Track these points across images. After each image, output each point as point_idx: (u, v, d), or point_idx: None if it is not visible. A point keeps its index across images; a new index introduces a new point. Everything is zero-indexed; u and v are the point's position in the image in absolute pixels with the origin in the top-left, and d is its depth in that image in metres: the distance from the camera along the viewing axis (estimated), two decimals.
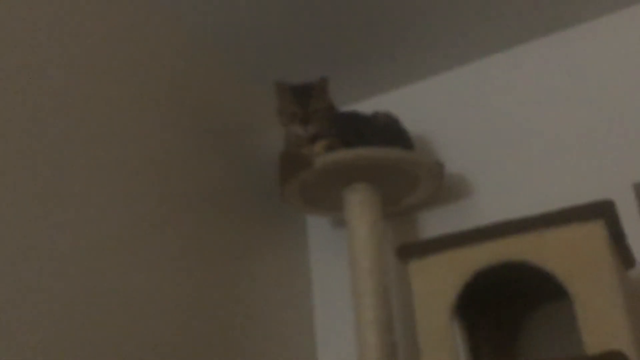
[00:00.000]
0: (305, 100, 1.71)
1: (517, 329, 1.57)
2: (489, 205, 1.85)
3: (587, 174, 1.75)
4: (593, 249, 1.32)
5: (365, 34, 1.86)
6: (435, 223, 1.91)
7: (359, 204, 1.77)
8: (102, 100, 1.47)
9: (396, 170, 1.76)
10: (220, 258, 1.69)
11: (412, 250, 1.50)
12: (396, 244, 1.77)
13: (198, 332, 1.54)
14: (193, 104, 1.77)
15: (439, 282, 1.44)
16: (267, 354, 1.74)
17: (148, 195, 1.52)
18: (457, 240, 1.45)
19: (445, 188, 1.87)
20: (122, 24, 1.59)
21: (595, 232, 1.33)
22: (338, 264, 1.97)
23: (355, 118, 1.85)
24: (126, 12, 1.62)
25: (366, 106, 1.95)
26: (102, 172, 1.41)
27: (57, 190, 1.29)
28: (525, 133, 1.86)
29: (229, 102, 1.93)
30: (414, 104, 2.01)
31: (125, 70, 1.56)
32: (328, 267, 2.02)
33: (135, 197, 1.48)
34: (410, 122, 1.89)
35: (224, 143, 1.85)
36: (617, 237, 1.40)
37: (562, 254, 1.34)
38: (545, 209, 1.41)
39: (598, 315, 1.28)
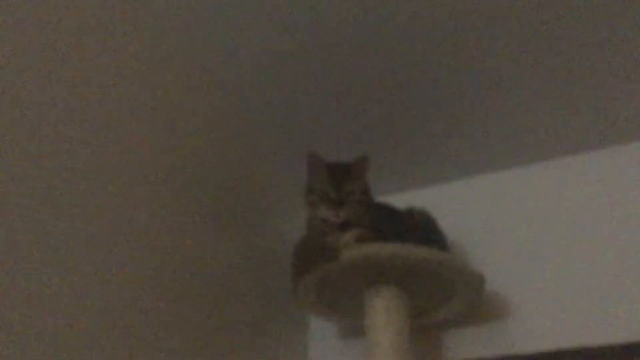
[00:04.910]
0: (340, 180, 1.47)
1: None
2: (526, 332, 1.58)
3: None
4: None
5: (410, 121, 1.66)
6: (463, 346, 1.63)
7: (385, 311, 1.49)
8: (114, 156, 1.22)
9: (431, 276, 1.50)
10: (212, 349, 1.38)
11: None
12: None
13: None
14: (212, 173, 1.52)
15: None
16: None
17: (146, 268, 1.24)
18: None
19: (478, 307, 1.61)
20: (148, 85, 1.36)
21: None
22: None
23: (389, 210, 1.61)
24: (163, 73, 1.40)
25: (398, 200, 1.72)
26: (102, 234, 1.15)
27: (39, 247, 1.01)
28: (573, 252, 1.63)
29: (250, 178, 1.68)
30: (452, 205, 1.77)
31: (146, 127, 1.32)
32: None
33: (134, 268, 1.20)
34: (446, 224, 1.66)
35: (237, 222, 1.58)
36: None
37: None
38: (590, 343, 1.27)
39: None
